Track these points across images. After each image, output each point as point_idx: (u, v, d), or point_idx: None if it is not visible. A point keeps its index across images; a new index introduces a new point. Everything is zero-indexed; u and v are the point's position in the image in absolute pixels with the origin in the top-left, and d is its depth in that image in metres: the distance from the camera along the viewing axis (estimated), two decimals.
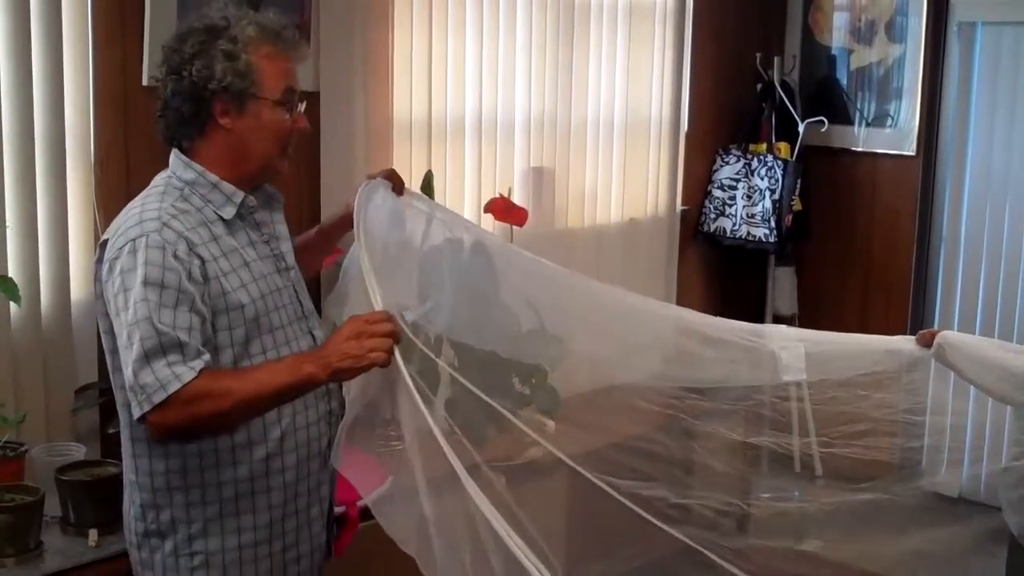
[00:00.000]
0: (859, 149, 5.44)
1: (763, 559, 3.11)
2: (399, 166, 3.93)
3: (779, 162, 5.18)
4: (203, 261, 2.29)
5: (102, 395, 3.32)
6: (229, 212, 2.39)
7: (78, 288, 3.31)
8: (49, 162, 3.21)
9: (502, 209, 4.01)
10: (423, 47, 4.03)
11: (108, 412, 3.27)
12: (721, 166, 5.31)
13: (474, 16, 4.17)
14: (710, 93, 5.28)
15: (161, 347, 2.18)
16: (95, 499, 2.93)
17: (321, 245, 2.87)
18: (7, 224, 3.12)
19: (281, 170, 2.47)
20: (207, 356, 2.24)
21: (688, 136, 5.16)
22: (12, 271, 3.12)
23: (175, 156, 2.41)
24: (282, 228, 2.56)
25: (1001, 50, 5.17)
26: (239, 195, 2.39)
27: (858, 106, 5.45)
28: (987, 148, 5.24)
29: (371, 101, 3.88)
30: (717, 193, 5.30)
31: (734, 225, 5.25)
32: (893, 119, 5.35)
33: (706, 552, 2.84)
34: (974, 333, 5.18)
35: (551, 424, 3.36)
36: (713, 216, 5.31)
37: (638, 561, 2.90)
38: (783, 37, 5.57)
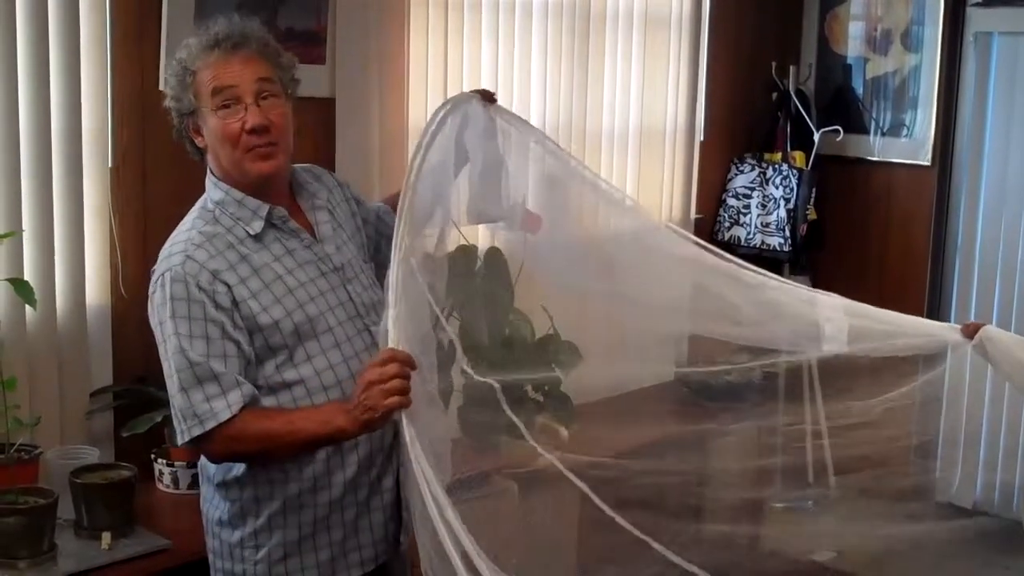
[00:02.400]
0: (874, 159, 5.43)
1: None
2: None
3: (794, 171, 5.17)
4: (229, 287, 2.33)
5: (116, 399, 3.33)
6: (257, 227, 2.41)
7: (93, 292, 3.32)
8: (66, 166, 3.23)
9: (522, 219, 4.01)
10: (439, 54, 4.04)
11: (122, 416, 3.29)
12: (736, 175, 5.31)
13: (490, 23, 4.18)
14: (725, 101, 5.28)
15: (197, 378, 2.27)
16: (109, 502, 2.94)
17: None
18: (23, 228, 3.13)
19: (262, 170, 2.39)
20: (247, 387, 2.30)
21: (703, 144, 5.16)
22: (28, 274, 3.13)
23: (207, 178, 2.47)
24: (326, 228, 2.55)
25: (1017, 60, 5.16)
26: (264, 208, 2.42)
27: (873, 115, 5.44)
28: (1003, 158, 5.22)
29: (386, 107, 3.88)
30: (732, 202, 5.30)
31: (748, 234, 5.25)
32: (909, 129, 5.35)
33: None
34: None
35: (564, 432, 3.36)
36: (727, 225, 5.31)
37: (652, 569, 2.88)
38: (799, 46, 5.57)
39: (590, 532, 3.37)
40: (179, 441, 2.34)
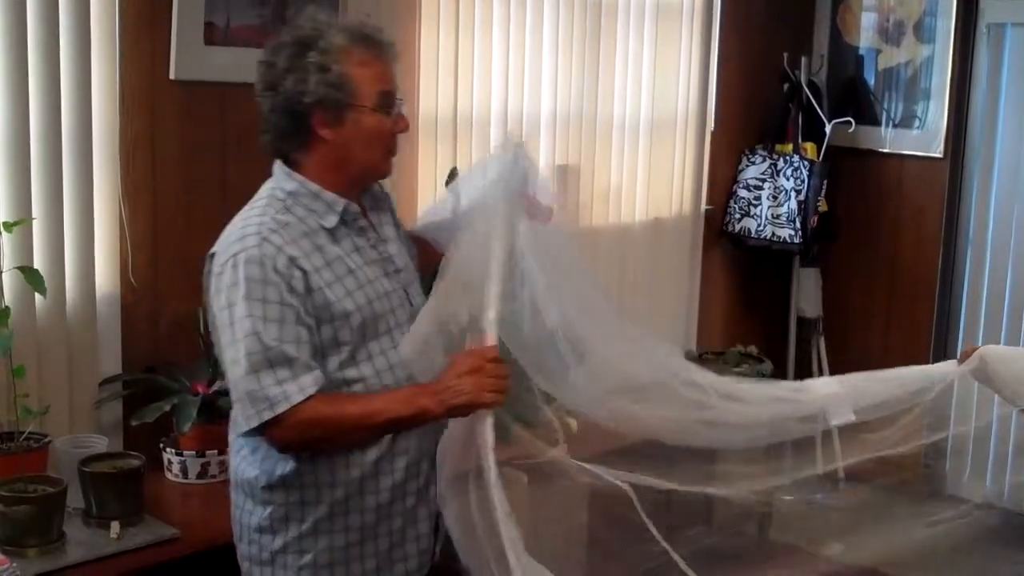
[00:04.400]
0: (886, 150, 5.41)
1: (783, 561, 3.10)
2: (424, 163, 3.97)
3: (805, 162, 5.16)
4: (305, 273, 2.29)
5: (125, 387, 3.33)
6: (331, 221, 2.38)
7: (103, 280, 3.32)
8: (76, 155, 3.22)
9: (528, 206, 4.00)
10: (450, 43, 4.03)
11: (131, 405, 3.29)
12: (747, 166, 5.29)
13: (501, 13, 4.17)
14: (737, 92, 5.26)
15: (269, 361, 2.21)
16: (118, 491, 2.93)
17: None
18: (33, 216, 3.13)
19: (387, 172, 2.47)
20: (318, 372, 2.27)
21: (714, 135, 5.15)
22: (38, 263, 3.13)
23: (278, 167, 2.42)
24: (389, 230, 2.55)
25: None
26: (340, 203, 2.39)
27: (885, 107, 5.42)
28: (1016, 150, 5.21)
29: None
30: (742, 193, 5.28)
31: (759, 225, 5.23)
32: (920, 120, 5.33)
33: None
34: (1000, 335, 5.16)
35: (574, 424, 3.35)
36: (738, 216, 5.29)
37: (660, 559, 2.88)
38: (811, 37, 5.55)
39: (599, 521, 3.37)
40: (243, 428, 2.26)
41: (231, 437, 2.48)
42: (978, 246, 5.32)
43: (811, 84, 5.35)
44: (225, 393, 3.23)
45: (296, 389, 2.22)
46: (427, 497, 2.50)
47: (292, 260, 2.28)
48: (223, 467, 3.26)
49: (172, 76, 3.38)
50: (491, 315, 2.33)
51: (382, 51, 2.38)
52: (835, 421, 2.70)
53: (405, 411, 2.28)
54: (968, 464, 5.21)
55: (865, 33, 5.46)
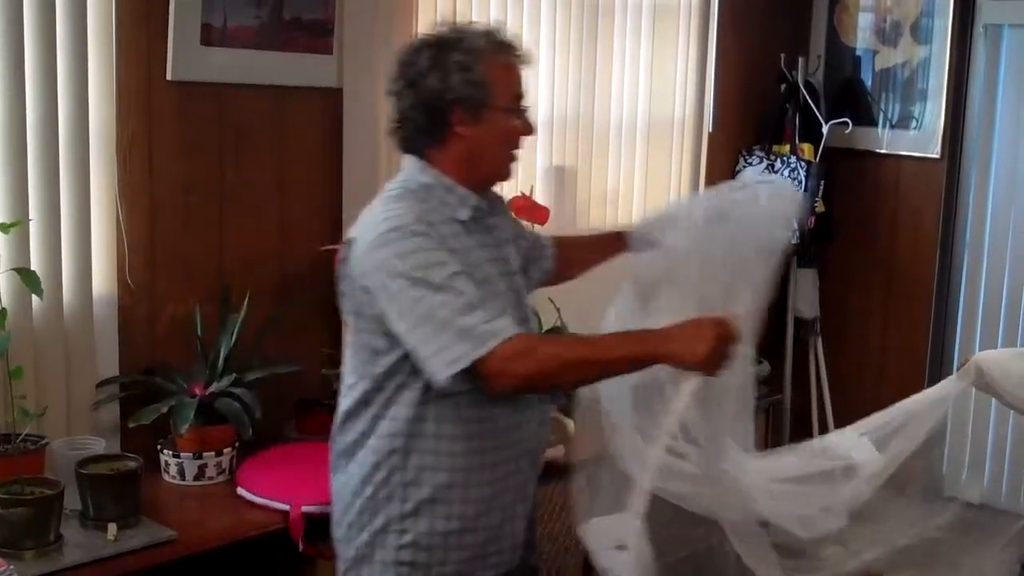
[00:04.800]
0: (883, 151, 5.40)
1: None
2: None
3: (802, 163, 5.15)
4: (451, 252, 2.37)
5: (123, 389, 3.32)
6: (464, 214, 2.46)
7: (100, 282, 3.31)
8: (72, 156, 3.21)
9: (524, 207, 4.00)
10: None
11: (128, 406, 3.28)
12: (744, 166, 5.29)
13: (498, 13, 4.16)
14: (734, 93, 5.26)
15: (469, 306, 2.28)
16: (115, 493, 2.92)
17: (602, 253, 2.94)
18: (30, 217, 3.12)
19: (509, 174, 2.57)
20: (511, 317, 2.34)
21: (711, 136, 5.14)
22: (35, 264, 3.12)
23: (412, 161, 2.49)
24: (506, 233, 2.62)
25: None
26: (472, 198, 2.47)
27: (882, 107, 5.42)
28: (1013, 151, 5.21)
29: None
30: None
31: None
32: (918, 121, 5.32)
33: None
34: (997, 335, 5.17)
35: (571, 425, 3.34)
36: None
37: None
38: (808, 37, 5.55)
39: None
40: (449, 372, 2.27)
41: (344, 406, 2.53)
42: (975, 246, 5.32)
43: (808, 85, 5.35)
44: (222, 395, 3.25)
45: (505, 324, 2.28)
46: (526, 495, 2.57)
47: (443, 238, 2.37)
48: (220, 469, 3.27)
49: (169, 77, 3.37)
50: (741, 311, 2.43)
51: (518, 56, 2.49)
52: (869, 471, 2.75)
53: (632, 351, 2.35)
54: (966, 465, 5.23)
55: (862, 34, 5.45)
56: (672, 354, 2.32)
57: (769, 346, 5.36)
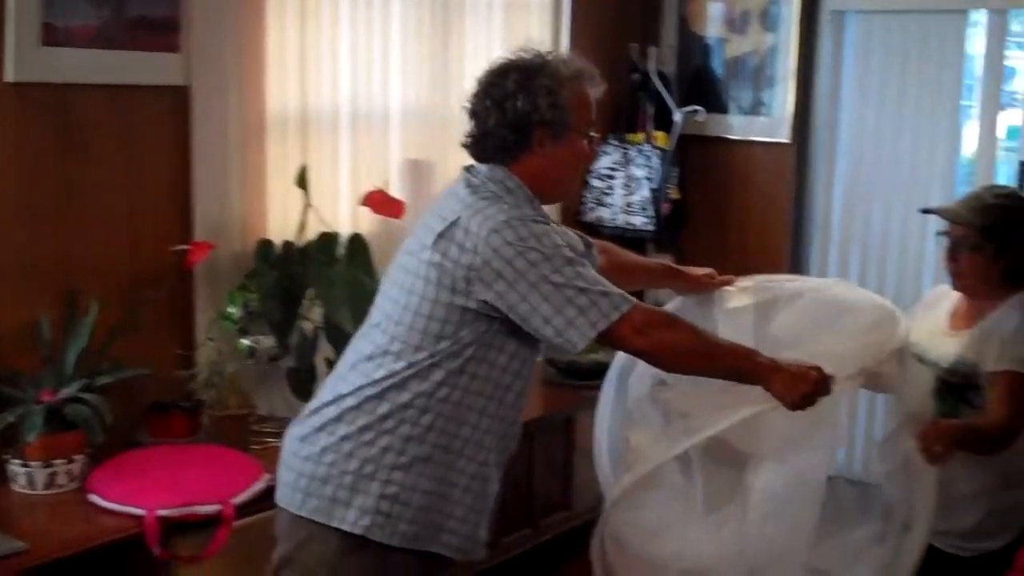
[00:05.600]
0: (735, 137, 5.51)
1: None
2: (274, 160, 3.94)
3: (656, 151, 5.24)
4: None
5: None
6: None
7: None
8: None
9: (379, 202, 4.00)
10: (297, 39, 3.99)
11: None
12: (599, 156, 5.35)
13: (349, 7, 4.14)
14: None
15: (599, 278, 2.50)
16: None
17: (648, 278, 3.33)
18: None
19: (572, 195, 2.89)
20: None
21: None
22: None
23: (497, 169, 2.61)
24: None
25: (871, 38, 5.29)
26: (548, 214, 2.64)
27: (733, 95, 5.52)
28: (858, 135, 5.36)
29: (245, 95, 3.83)
30: (595, 183, 5.34)
31: (612, 214, 5.30)
32: (767, 107, 5.43)
33: None
34: None
35: None
36: (591, 206, 5.34)
37: None
38: (659, 27, 5.62)
39: None
40: (595, 331, 2.44)
41: (368, 362, 2.58)
42: (825, 229, 5.46)
43: (660, 74, 5.43)
44: (72, 401, 3.18)
45: (628, 295, 2.50)
46: (495, 490, 2.69)
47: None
48: (71, 476, 3.22)
49: (9, 78, 3.29)
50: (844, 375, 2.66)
51: (594, 84, 2.68)
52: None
53: (743, 366, 2.58)
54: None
55: (712, 23, 5.54)
56: (773, 384, 2.55)
57: None
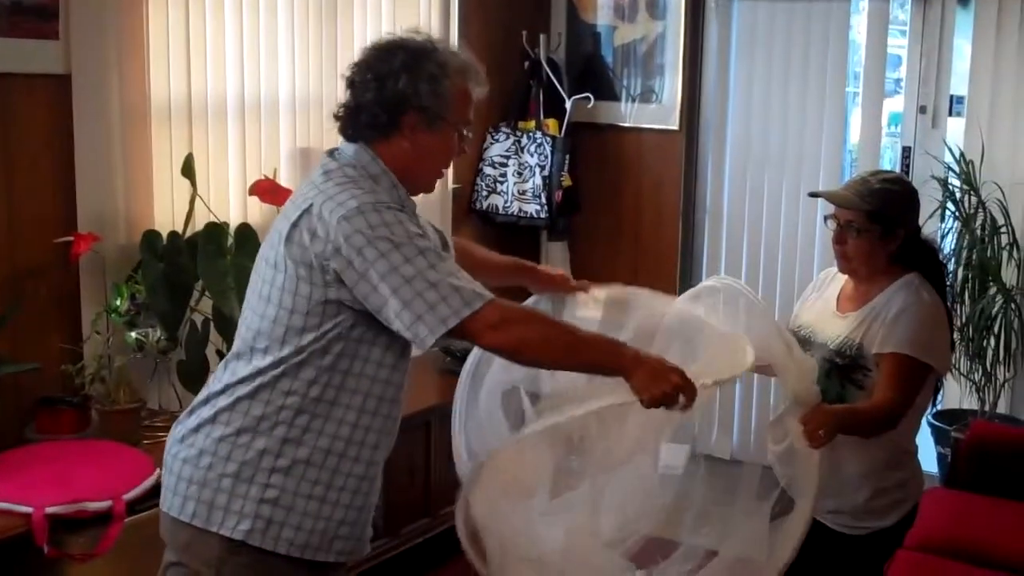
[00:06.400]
0: (626, 124, 5.56)
1: None
2: (158, 149, 3.86)
3: (548, 139, 5.25)
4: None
5: None
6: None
7: None
8: None
9: (267, 190, 3.95)
10: (180, 24, 3.91)
11: None
12: (491, 144, 5.35)
13: None
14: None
15: (451, 270, 2.40)
16: None
17: (503, 275, 3.11)
18: None
19: (432, 188, 2.70)
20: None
21: None
22: None
23: (362, 150, 2.53)
24: None
25: (756, 24, 5.38)
26: (410, 200, 2.56)
27: (624, 83, 5.56)
28: (745, 120, 5.44)
29: (126, 83, 3.74)
30: (488, 171, 5.34)
31: (506, 202, 5.31)
32: (657, 95, 5.49)
33: None
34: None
35: None
36: (485, 194, 5.35)
37: None
38: (548, 15, 5.65)
39: None
40: (443, 328, 2.34)
41: (241, 359, 2.50)
42: (715, 215, 5.54)
43: (551, 62, 5.45)
44: None
45: (484, 288, 2.41)
46: (377, 488, 2.61)
47: (409, 217, 2.48)
48: None
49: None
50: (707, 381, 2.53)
51: (479, 83, 2.61)
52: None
53: (605, 359, 2.47)
54: (715, 424, 5.44)
55: (601, 11, 5.59)
56: (634, 378, 2.44)
57: None
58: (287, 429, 2.43)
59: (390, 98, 2.49)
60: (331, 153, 2.57)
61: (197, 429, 2.50)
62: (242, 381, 2.46)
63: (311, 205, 2.41)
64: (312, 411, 2.44)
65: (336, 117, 2.59)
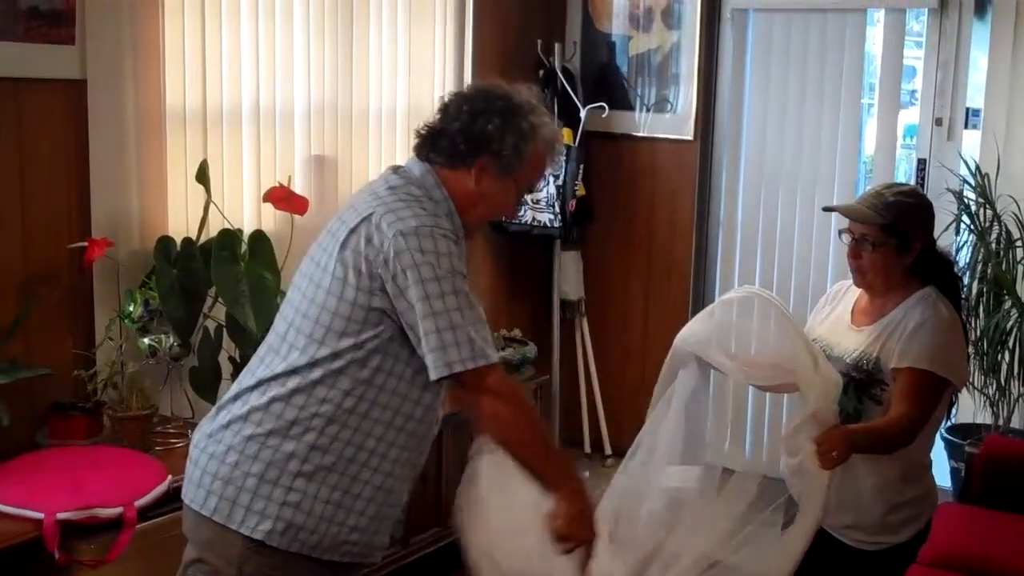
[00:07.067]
0: (640, 134, 5.55)
1: None
2: (173, 155, 3.87)
3: (562, 148, 5.22)
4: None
5: None
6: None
7: None
8: None
9: (281, 198, 3.95)
10: (196, 32, 3.92)
11: None
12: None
13: (249, 1, 4.08)
14: (492, 80, 5.28)
15: (478, 320, 2.44)
16: None
17: None
18: None
19: (474, 236, 2.72)
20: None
21: None
22: None
23: (429, 174, 2.58)
24: None
25: (772, 36, 5.36)
26: (463, 237, 2.58)
27: (638, 92, 5.55)
28: (761, 130, 5.42)
29: (141, 89, 3.75)
30: None
31: (520, 211, 5.29)
32: (672, 104, 5.47)
33: None
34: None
35: None
36: None
37: None
38: (563, 24, 5.64)
39: None
40: (440, 373, 2.40)
41: (278, 363, 2.52)
42: (728, 223, 5.52)
43: (565, 71, 5.44)
44: None
45: (494, 352, 2.46)
46: (402, 503, 2.66)
47: (461, 252, 2.52)
48: None
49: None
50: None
51: (555, 158, 2.71)
52: None
53: (554, 474, 2.51)
54: (728, 434, 5.41)
55: (616, 20, 5.58)
56: (561, 504, 2.49)
57: (536, 328, 5.44)
58: (317, 436, 2.47)
59: (476, 134, 2.55)
60: (396, 169, 2.62)
61: (227, 425, 2.53)
62: (276, 378, 2.50)
63: (372, 214, 2.46)
64: (343, 421, 2.47)
65: (418, 134, 2.64)
